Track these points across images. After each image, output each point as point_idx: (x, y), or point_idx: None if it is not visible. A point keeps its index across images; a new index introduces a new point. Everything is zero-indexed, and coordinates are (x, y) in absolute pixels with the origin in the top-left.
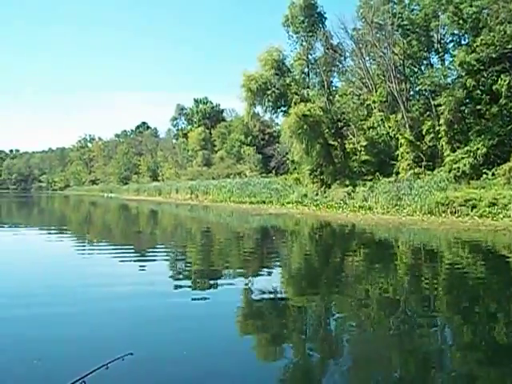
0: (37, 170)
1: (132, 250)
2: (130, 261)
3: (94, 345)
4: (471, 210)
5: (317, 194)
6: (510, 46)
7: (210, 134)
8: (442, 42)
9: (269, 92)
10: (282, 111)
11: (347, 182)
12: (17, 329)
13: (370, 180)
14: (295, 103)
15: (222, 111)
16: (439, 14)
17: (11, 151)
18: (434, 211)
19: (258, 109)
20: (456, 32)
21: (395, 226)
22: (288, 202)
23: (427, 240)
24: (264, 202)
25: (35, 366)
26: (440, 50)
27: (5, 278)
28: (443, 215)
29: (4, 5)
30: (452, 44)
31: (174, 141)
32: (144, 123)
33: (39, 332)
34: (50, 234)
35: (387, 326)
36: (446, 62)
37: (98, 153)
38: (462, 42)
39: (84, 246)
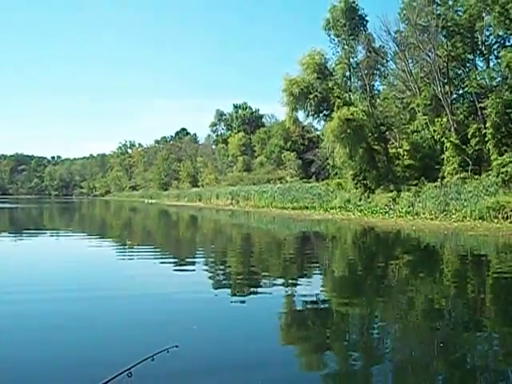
0: (78, 176)
1: (172, 256)
2: (170, 266)
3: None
4: None
5: (360, 200)
6: None
7: (250, 139)
8: (487, 43)
9: (311, 96)
10: (324, 115)
11: (391, 187)
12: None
13: (415, 185)
14: (338, 107)
15: (262, 116)
16: (484, 15)
17: (53, 158)
18: (485, 216)
19: (299, 113)
20: (501, 33)
21: (449, 232)
22: (331, 208)
23: (490, 247)
24: (307, 208)
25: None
26: (485, 51)
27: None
28: (495, 221)
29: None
30: (497, 45)
31: (214, 146)
32: (183, 129)
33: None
34: (91, 239)
35: (431, 334)
36: (491, 64)
37: (138, 159)
38: (507, 44)
39: (125, 251)
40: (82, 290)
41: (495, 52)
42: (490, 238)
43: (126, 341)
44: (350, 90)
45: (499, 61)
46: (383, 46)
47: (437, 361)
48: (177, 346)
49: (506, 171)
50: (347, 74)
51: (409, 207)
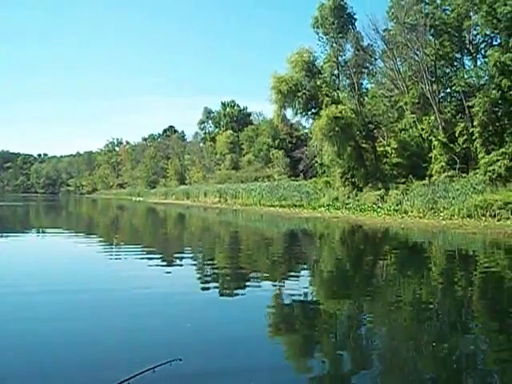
0: (65, 173)
1: (159, 254)
2: (157, 264)
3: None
4: (511, 214)
5: (348, 198)
6: None
7: (238, 137)
8: (474, 42)
9: (299, 94)
10: (312, 113)
11: (379, 185)
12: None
13: (403, 183)
14: (326, 105)
15: (250, 114)
16: (471, 14)
17: (39, 155)
18: (473, 214)
19: (287, 111)
20: (488, 32)
21: (438, 230)
22: (319, 206)
23: (478, 245)
24: (295, 206)
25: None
26: (472, 50)
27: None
28: (483, 219)
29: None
30: (484, 44)
31: (202, 144)
32: (171, 127)
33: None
34: (78, 237)
35: (420, 333)
36: (479, 63)
37: (126, 156)
38: (494, 43)
39: (111, 249)
40: (67, 290)
41: (482, 51)
42: (479, 236)
43: (114, 340)
44: (339, 88)
45: (486, 60)
46: (371, 45)
47: (425, 360)
48: (180, 360)
49: (493, 169)
50: (335, 72)
51: (397, 205)
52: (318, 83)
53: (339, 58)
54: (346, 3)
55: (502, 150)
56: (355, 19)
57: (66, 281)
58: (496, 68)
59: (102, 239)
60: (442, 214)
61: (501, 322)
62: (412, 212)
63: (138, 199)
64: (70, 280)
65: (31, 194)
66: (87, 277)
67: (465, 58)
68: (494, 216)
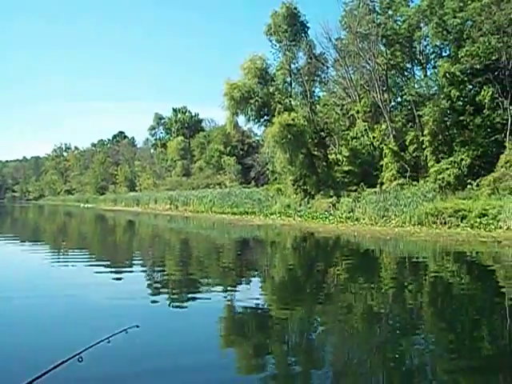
0: (10, 179)
1: (108, 262)
2: (106, 272)
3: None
4: (461, 221)
5: (300, 205)
6: (493, 58)
7: (189, 143)
8: (425, 53)
9: (252, 101)
10: (265, 120)
11: (331, 193)
12: None
13: (355, 190)
14: (279, 112)
15: (201, 121)
16: (422, 25)
17: None
18: (425, 222)
19: (240, 118)
20: (438, 43)
21: (390, 237)
22: (271, 213)
23: (429, 252)
24: (247, 213)
25: None
26: (422, 60)
27: None
28: (434, 226)
29: None
30: (434, 55)
31: (152, 150)
32: (121, 132)
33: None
34: (23, 245)
35: (370, 338)
36: (429, 73)
37: (74, 162)
38: (444, 54)
39: (59, 257)
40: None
41: (432, 61)
42: (430, 243)
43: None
44: (291, 96)
45: (436, 70)
46: (324, 53)
47: (375, 363)
48: (137, 326)
49: (443, 178)
50: (288, 79)
51: (349, 212)
52: (271, 90)
53: (292, 66)
54: (299, 11)
55: (451, 158)
56: (308, 27)
57: (2, 288)
58: (446, 78)
59: (48, 246)
60: (393, 222)
61: (449, 325)
62: (364, 219)
63: (86, 206)
64: (7, 287)
65: None
66: (28, 284)
67: (415, 68)
68: (445, 223)
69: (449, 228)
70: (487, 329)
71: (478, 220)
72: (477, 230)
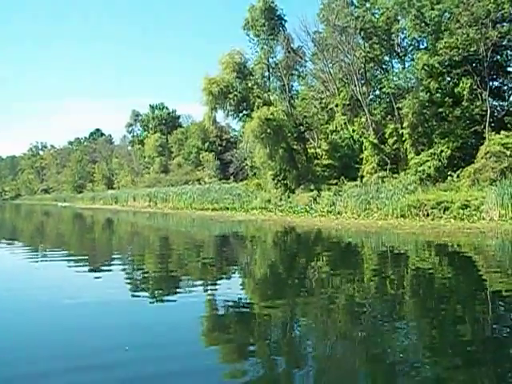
0: None
1: (87, 261)
2: (85, 271)
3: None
4: (443, 213)
5: (281, 200)
6: (471, 49)
7: (167, 140)
8: (403, 45)
9: (230, 96)
10: (244, 115)
11: (311, 187)
12: None
13: (335, 184)
14: (258, 107)
15: (179, 117)
16: (400, 17)
17: None
18: (407, 214)
19: (218, 113)
20: (416, 36)
21: (374, 231)
22: (252, 208)
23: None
24: (227, 209)
25: None
26: (401, 53)
27: None
28: (417, 218)
29: None
30: (412, 48)
31: (130, 147)
32: (98, 130)
33: None
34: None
35: (353, 331)
36: (407, 65)
37: (51, 161)
38: (421, 46)
39: (37, 257)
40: None
41: (410, 54)
42: (414, 236)
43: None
44: (270, 90)
45: (414, 63)
46: (302, 47)
47: (359, 357)
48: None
49: (423, 170)
50: (266, 73)
51: (330, 206)
52: (250, 85)
53: (270, 60)
54: (276, 5)
55: (431, 150)
56: (286, 21)
57: None
58: (424, 71)
59: (25, 246)
60: (375, 215)
61: (431, 317)
62: (346, 213)
63: (63, 205)
64: None
65: None
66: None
67: (394, 60)
68: (428, 215)
69: (432, 220)
70: (469, 320)
71: (461, 211)
72: (460, 222)
